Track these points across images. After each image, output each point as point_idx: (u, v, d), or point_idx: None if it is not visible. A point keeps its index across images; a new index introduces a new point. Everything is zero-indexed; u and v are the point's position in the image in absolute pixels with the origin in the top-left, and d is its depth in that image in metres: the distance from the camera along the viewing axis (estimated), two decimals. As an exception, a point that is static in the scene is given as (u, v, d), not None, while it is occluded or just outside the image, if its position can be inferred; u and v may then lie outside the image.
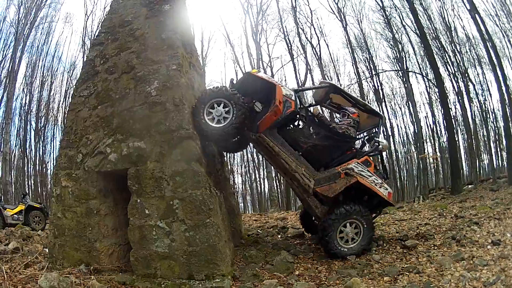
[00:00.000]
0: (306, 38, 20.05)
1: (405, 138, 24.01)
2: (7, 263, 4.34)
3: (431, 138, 21.27)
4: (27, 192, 16.97)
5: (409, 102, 19.82)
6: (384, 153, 6.41)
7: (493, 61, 13.42)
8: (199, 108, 4.57)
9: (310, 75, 19.79)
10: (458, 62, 17.44)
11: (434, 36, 17.48)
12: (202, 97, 4.68)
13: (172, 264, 3.95)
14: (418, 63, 19.93)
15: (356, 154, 5.15)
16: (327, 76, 21.06)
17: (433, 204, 10.10)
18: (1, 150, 17.14)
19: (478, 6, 14.58)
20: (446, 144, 17.42)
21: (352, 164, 4.80)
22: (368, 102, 18.87)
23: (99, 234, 4.37)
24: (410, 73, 19.44)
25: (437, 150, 20.22)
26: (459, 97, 17.36)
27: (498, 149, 19.74)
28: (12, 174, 19.10)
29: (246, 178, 28.47)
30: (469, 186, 14.34)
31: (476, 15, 13.69)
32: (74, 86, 5.39)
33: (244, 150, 20.03)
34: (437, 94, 16.98)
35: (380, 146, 5.37)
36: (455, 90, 17.65)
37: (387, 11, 18.60)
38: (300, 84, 18.44)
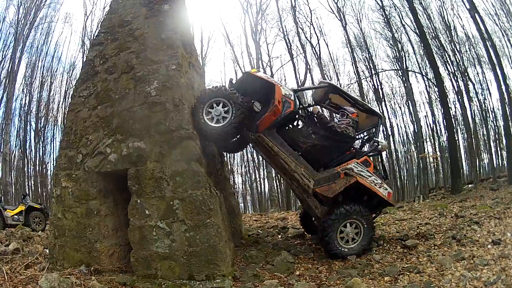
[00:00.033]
0: (306, 37, 20.08)
1: (405, 138, 24.04)
2: (7, 264, 4.33)
3: (431, 137, 21.27)
4: (27, 192, 16.98)
5: (409, 101, 19.83)
6: (383, 153, 6.41)
7: (493, 60, 13.43)
8: (198, 107, 4.56)
9: (310, 74, 19.81)
10: (458, 61, 17.46)
11: (433, 35, 17.48)
12: (201, 97, 4.67)
13: (172, 264, 3.95)
14: (417, 63, 19.95)
15: (356, 154, 5.15)
16: (327, 76, 21.06)
17: (433, 203, 10.10)
18: (1, 150, 17.14)
19: (478, 5, 14.62)
20: (446, 144, 17.42)
21: (352, 164, 4.79)
22: (367, 102, 18.98)
23: (99, 234, 4.36)
24: (410, 73, 19.46)
25: (437, 149, 20.22)
26: (459, 96, 17.38)
27: (498, 148, 19.76)
28: (12, 175, 19.11)
29: (246, 178, 28.50)
30: (469, 185, 14.34)
31: (476, 14, 13.70)
32: (74, 87, 5.39)
33: (244, 150, 20.06)
34: (437, 93, 16.97)
35: (380, 146, 5.36)
36: (455, 90, 17.68)
37: (386, 10, 18.62)
38: (299, 84, 18.45)
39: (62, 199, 4.53)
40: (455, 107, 18.66)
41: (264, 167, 21.89)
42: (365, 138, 6.08)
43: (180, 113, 4.26)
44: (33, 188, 21.39)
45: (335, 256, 4.67)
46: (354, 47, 20.76)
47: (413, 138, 21.98)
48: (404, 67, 19.21)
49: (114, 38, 4.93)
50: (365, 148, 5.72)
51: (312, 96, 6.29)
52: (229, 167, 19.73)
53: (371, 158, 5.38)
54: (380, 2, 18.37)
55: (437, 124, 20.54)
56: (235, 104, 4.57)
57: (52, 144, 22.35)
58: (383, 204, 5.20)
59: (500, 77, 13.04)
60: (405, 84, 19.51)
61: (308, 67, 19.70)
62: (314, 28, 20.38)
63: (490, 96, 18.58)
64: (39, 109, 21.16)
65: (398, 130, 23.65)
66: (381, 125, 6.08)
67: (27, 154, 21.26)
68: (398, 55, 19.80)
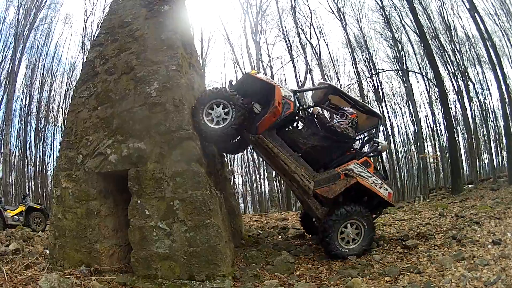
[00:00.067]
0: (306, 38, 20.10)
1: (405, 138, 24.06)
2: (7, 264, 4.33)
3: (431, 137, 21.31)
4: (28, 193, 17.00)
5: (409, 101, 19.85)
6: (383, 154, 6.41)
7: (493, 60, 13.43)
8: (198, 109, 4.56)
9: (310, 75, 19.83)
10: (458, 61, 17.47)
11: (433, 35, 17.50)
12: (202, 98, 4.67)
13: (172, 264, 3.95)
14: (418, 63, 19.98)
15: (356, 155, 5.15)
16: (327, 76, 21.08)
17: (433, 203, 10.09)
18: (1, 151, 17.17)
19: (478, 5, 14.63)
20: (446, 144, 17.42)
21: (352, 165, 4.79)
22: (368, 102, 19.00)
23: (100, 235, 4.37)
24: (410, 73, 19.48)
25: (437, 149, 20.24)
26: (459, 97, 17.38)
27: (498, 148, 19.76)
28: (13, 176, 19.14)
29: (247, 179, 28.51)
30: (470, 185, 14.34)
31: (476, 14, 13.70)
32: (74, 87, 5.40)
33: (245, 151, 20.03)
34: (437, 93, 16.98)
35: (380, 147, 5.36)
36: (455, 90, 17.69)
37: (386, 10, 18.64)
38: (300, 84, 18.46)
39: (62, 199, 4.54)
40: (455, 107, 18.71)
41: (264, 167, 21.91)
42: (365, 138, 6.07)
43: (180, 114, 4.27)
44: (33, 188, 21.40)
45: (335, 257, 4.67)
46: (354, 48, 20.81)
47: (413, 138, 22.02)
48: (404, 67, 19.23)
49: (114, 39, 4.94)
50: (365, 149, 5.71)
51: (311, 98, 6.30)
52: (230, 167, 19.73)
53: (371, 158, 5.38)
54: (380, 2, 18.41)
55: (437, 124, 20.59)
56: (236, 105, 4.57)
57: (52, 144, 22.42)
58: (383, 205, 5.20)
59: (500, 77, 13.04)
60: (405, 84, 19.53)
61: (308, 67, 19.75)
62: (314, 28, 20.44)
63: (490, 96, 18.63)
64: (39, 110, 21.22)
65: (398, 130, 23.72)
66: (381, 126, 6.07)
67: (27, 155, 21.31)
68: (398, 55, 19.82)
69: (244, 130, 4.94)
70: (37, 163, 21.73)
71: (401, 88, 21.52)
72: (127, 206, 4.26)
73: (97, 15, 23.68)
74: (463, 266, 3.84)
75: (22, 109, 20.51)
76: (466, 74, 17.38)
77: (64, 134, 5.07)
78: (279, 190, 21.97)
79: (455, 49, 17.62)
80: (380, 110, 18.70)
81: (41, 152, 21.79)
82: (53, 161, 20.98)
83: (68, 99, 19.42)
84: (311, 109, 5.34)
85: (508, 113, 12.81)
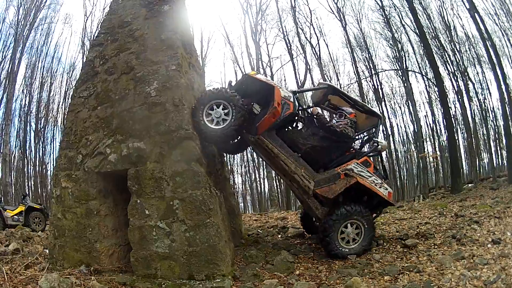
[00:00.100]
0: (306, 38, 20.11)
1: (405, 138, 24.08)
2: (7, 264, 4.34)
3: (431, 137, 21.32)
4: (27, 193, 16.98)
5: (409, 101, 19.85)
6: (383, 153, 6.41)
7: (493, 60, 13.45)
8: (198, 109, 4.56)
9: (310, 75, 19.83)
10: (458, 61, 17.48)
11: (433, 35, 17.51)
12: (202, 98, 4.67)
13: (172, 264, 3.96)
14: (417, 62, 19.99)
15: (356, 154, 5.15)
16: (327, 76, 21.10)
17: (433, 203, 10.11)
18: (1, 151, 17.16)
19: (478, 5, 14.64)
20: (446, 143, 17.43)
21: (352, 165, 4.79)
22: (367, 102, 19.02)
23: (99, 234, 4.37)
24: (410, 72, 19.50)
25: (437, 149, 20.24)
26: (459, 96, 17.40)
27: (498, 148, 19.79)
28: (12, 175, 19.11)
29: (246, 178, 28.53)
30: (469, 185, 14.36)
31: (476, 14, 13.71)
32: (74, 87, 5.39)
33: (244, 151, 20.03)
34: (437, 93, 17.00)
35: (379, 146, 5.36)
36: (455, 89, 17.70)
37: (386, 10, 18.65)
38: (299, 84, 18.46)
39: (62, 199, 4.54)
40: (455, 107, 18.71)
41: (264, 167, 21.92)
42: (364, 138, 6.08)
43: (180, 114, 4.27)
44: (33, 188, 21.41)
45: (336, 257, 4.67)
46: (354, 47, 20.82)
47: (413, 138, 22.03)
48: (404, 67, 19.24)
49: (114, 38, 4.94)
50: (365, 149, 5.71)
51: (311, 98, 6.29)
52: (229, 167, 19.77)
53: (371, 158, 5.37)
54: (380, 2, 18.42)
55: (437, 124, 20.59)
56: (236, 106, 4.56)
57: (52, 144, 22.41)
58: (383, 204, 5.20)
59: (500, 77, 13.06)
60: (405, 84, 19.54)
61: (308, 67, 19.74)
62: (314, 28, 20.45)
63: (490, 95, 18.64)
64: (39, 110, 21.21)
65: (398, 130, 23.73)
66: (380, 126, 6.07)
67: (27, 155, 21.30)
68: (398, 55, 19.84)
69: (243, 130, 4.94)
70: (37, 163, 21.75)
71: (400, 88, 21.57)
72: (127, 206, 4.26)
73: (97, 15, 23.74)
74: (463, 265, 3.84)
75: (22, 109, 20.54)
76: (466, 74, 17.39)
77: (64, 134, 5.07)
78: (278, 189, 21.99)
79: (455, 49, 17.64)
80: (379, 110, 18.72)
81: (40, 152, 21.82)
82: (53, 161, 20.99)
83: (68, 99, 19.41)
84: (311, 109, 5.34)
85: (508, 113, 12.83)
